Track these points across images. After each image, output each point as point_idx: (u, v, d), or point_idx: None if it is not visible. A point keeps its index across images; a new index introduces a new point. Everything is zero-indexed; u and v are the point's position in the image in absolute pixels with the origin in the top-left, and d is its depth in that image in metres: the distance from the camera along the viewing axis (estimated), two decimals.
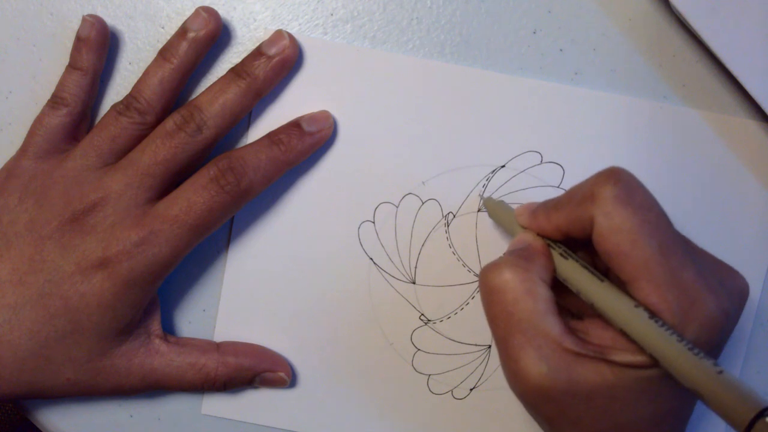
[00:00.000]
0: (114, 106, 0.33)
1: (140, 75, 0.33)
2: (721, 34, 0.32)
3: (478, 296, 0.35)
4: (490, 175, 0.35)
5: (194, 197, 0.31)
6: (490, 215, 0.34)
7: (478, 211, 0.35)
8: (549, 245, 0.29)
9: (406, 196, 0.35)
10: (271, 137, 0.33)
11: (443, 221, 0.35)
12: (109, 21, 0.34)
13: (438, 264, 0.35)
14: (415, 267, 0.35)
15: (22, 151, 0.33)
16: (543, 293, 0.27)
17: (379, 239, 0.35)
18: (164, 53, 0.32)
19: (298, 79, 0.34)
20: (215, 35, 0.33)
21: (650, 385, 0.25)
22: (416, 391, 0.36)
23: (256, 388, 0.35)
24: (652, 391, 0.26)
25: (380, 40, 0.35)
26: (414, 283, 0.35)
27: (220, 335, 0.36)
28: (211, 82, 0.33)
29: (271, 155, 0.32)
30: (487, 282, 0.27)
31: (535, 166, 0.35)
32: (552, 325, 0.26)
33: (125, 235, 0.31)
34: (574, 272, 0.28)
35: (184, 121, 0.31)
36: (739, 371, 0.36)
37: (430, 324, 0.35)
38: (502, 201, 0.33)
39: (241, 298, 0.35)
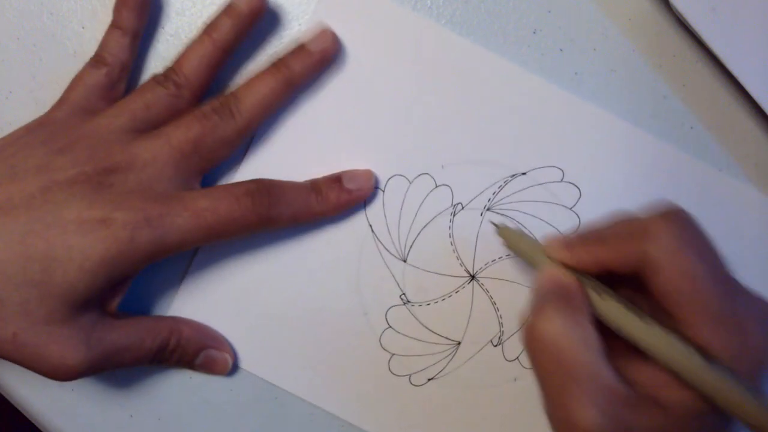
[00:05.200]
0: (154, 76, 0.33)
1: (182, 48, 0.33)
2: (721, 34, 0.32)
3: (462, 291, 0.35)
4: (509, 179, 0.35)
5: (225, 201, 0.31)
6: (509, 246, 0.32)
7: (487, 210, 0.35)
8: (581, 280, 0.28)
9: (422, 175, 0.35)
10: (314, 184, 0.33)
11: (450, 209, 0.35)
12: None
13: (433, 249, 0.35)
14: (411, 246, 0.35)
15: (58, 104, 0.33)
16: (595, 340, 0.26)
17: (383, 208, 0.35)
18: (208, 30, 0.33)
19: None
20: (260, 12, 0.33)
21: (702, 423, 0.26)
22: (376, 367, 0.35)
23: (195, 370, 0.35)
24: (704, 430, 0.26)
25: None
26: (405, 261, 0.35)
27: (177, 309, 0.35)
28: (252, 64, 0.34)
29: (307, 203, 0.33)
30: (538, 335, 0.27)
31: (554, 182, 0.35)
32: (607, 373, 0.26)
33: (140, 205, 0.30)
34: (615, 312, 0.27)
35: (221, 106, 0.32)
36: None
37: (408, 305, 0.35)
38: (522, 231, 0.33)
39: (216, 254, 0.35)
